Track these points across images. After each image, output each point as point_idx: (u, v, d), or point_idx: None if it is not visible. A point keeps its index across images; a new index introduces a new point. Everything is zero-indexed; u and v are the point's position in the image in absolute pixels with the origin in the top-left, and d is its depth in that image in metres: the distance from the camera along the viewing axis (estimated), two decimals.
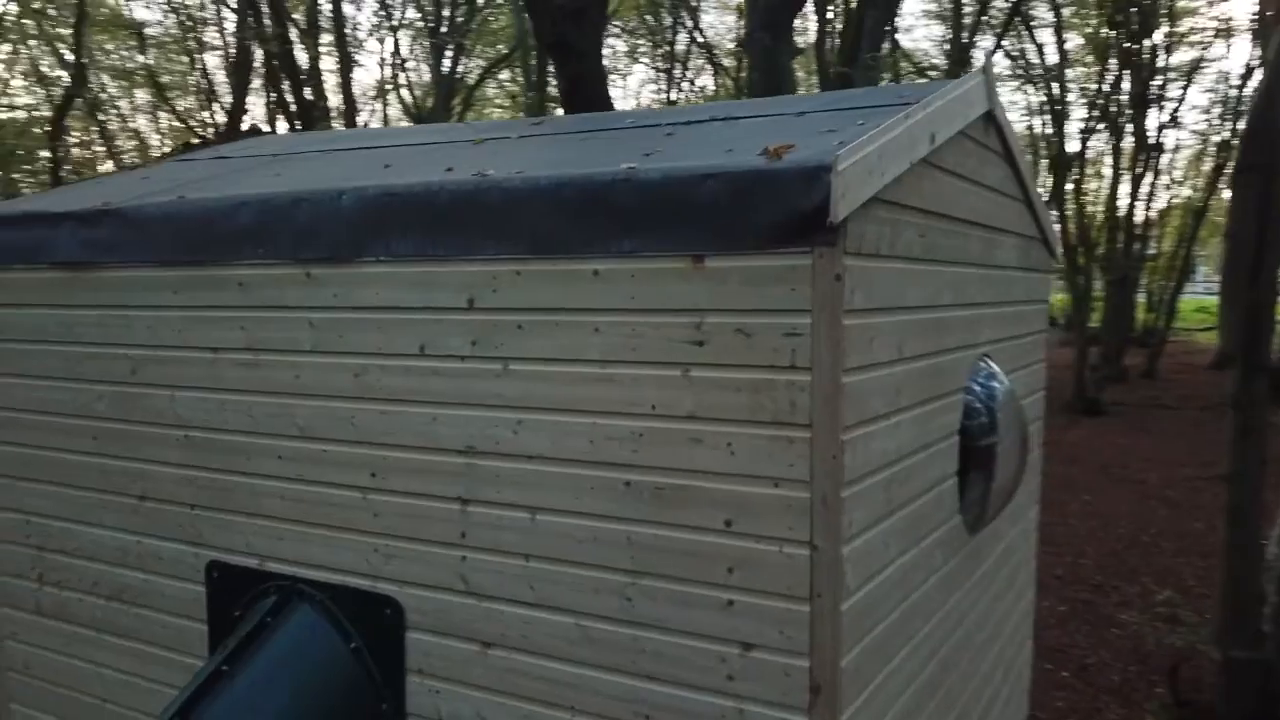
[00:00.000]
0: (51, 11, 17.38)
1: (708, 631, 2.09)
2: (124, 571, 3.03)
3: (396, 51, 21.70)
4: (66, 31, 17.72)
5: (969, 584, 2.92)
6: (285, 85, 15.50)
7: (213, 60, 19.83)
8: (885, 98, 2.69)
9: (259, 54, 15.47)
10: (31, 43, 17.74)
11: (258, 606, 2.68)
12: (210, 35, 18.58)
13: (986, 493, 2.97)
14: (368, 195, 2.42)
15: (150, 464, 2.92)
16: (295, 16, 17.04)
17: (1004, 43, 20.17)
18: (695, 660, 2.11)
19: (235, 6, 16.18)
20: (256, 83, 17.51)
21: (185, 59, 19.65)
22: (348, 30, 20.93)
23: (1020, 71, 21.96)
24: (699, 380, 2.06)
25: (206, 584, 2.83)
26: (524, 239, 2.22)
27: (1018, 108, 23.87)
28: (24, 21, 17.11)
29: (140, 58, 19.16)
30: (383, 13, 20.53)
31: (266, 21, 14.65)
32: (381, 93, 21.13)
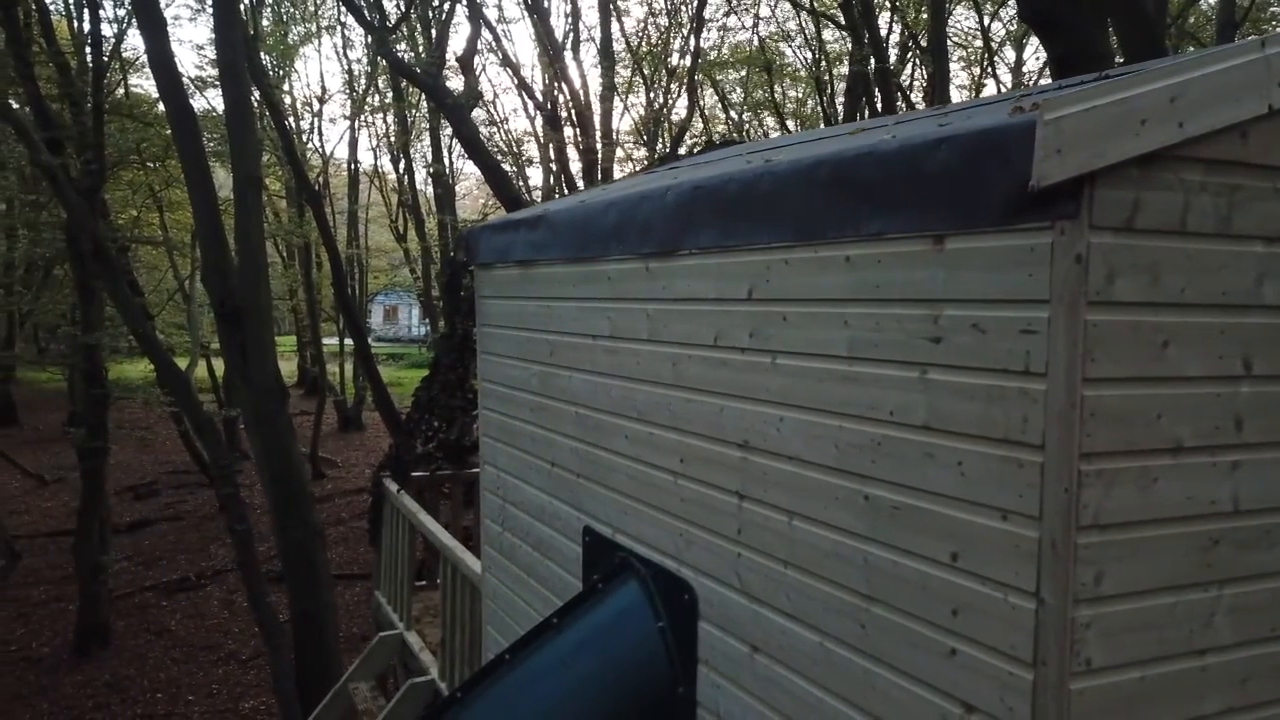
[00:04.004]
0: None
1: (931, 680, 1.77)
2: (541, 526, 3.50)
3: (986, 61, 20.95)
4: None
5: None
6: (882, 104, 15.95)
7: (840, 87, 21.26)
8: None
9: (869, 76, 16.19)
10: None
11: (602, 573, 2.91)
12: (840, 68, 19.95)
13: None
14: (683, 189, 2.49)
15: (556, 434, 3.34)
16: (919, 38, 17.48)
17: None
18: (919, 712, 1.80)
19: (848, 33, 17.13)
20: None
21: (813, 86, 21.36)
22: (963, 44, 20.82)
23: None
24: (935, 384, 1.75)
25: (582, 546, 3.15)
26: (790, 225, 2.10)
27: None
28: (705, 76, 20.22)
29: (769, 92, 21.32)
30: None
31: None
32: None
